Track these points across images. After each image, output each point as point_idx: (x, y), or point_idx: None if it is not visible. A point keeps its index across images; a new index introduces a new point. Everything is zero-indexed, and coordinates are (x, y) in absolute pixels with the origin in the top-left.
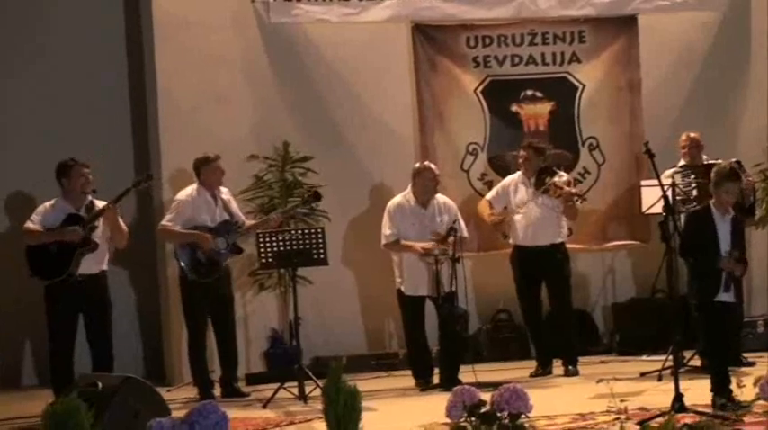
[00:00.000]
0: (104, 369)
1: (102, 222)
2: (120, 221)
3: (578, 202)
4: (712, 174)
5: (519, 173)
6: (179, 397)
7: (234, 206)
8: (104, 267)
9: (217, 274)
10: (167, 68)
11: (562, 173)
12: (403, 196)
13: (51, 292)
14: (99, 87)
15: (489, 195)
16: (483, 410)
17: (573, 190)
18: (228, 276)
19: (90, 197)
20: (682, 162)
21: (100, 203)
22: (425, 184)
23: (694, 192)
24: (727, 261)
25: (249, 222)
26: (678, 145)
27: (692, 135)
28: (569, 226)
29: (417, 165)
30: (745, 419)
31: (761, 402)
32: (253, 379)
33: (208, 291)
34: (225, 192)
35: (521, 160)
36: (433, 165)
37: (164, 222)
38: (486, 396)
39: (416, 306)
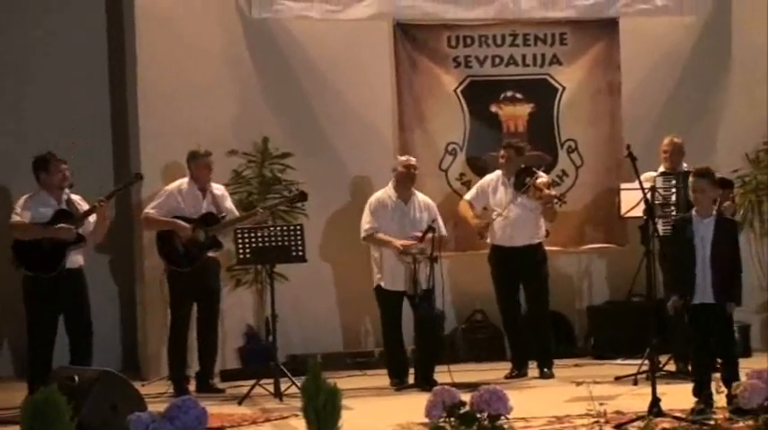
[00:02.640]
0: (83, 362)
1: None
2: (106, 217)
3: (557, 205)
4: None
5: (498, 172)
6: (153, 391)
7: (227, 203)
8: (82, 262)
9: (194, 265)
10: (148, 61)
11: (541, 173)
12: (384, 191)
13: (30, 286)
14: (78, 79)
15: (469, 195)
16: (462, 411)
17: (552, 192)
18: (214, 270)
19: (68, 191)
20: (661, 168)
21: (75, 197)
22: (403, 177)
23: (673, 197)
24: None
25: (235, 214)
26: (658, 148)
27: (676, 140)
28: (546, 227)
29: (398, 158)
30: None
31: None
32: (227, 375)
33: (192, 284)
34: (218, 188)
35: (502, 160)
36: (413, 159)
37: (147, 209)
38: (463, 396)
39: (395, 302)
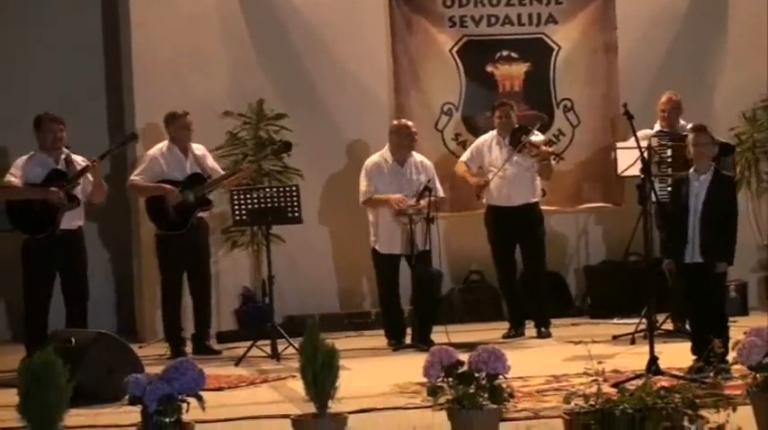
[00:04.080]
0: (78, 325)
1: (83, 178)
2: (101, 178)
3: (555, 161)
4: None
5: (492, 132)
6: (151, 353)
7: (209, 162)
8: (81, 223)
9: (186, 227)
10: (142, 24)
11: (537, 132)
12: (380, 154)
13: (29, 248)
14: (73, 42)
15: (464, 156)
16: (460, 370)
17: (549, 149)
18: (206, 230)
19: (66, 151)
20: (657, 127)
21: (78, 158)
22: (401, 141)
23: (668, 152)
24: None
25: (219, 172)
26: (655, 107)
27: (674, 98)
28: (543, 187)
29: (394, 122)
30: (723, 383)
31: (737, 366)
32: (224, 337)
33: (183, 246)
34: (198, 148)
35: (499, 119)
36: (410, 123)
37: (132, 177)
38: (461, 356)
39: (391, 265)
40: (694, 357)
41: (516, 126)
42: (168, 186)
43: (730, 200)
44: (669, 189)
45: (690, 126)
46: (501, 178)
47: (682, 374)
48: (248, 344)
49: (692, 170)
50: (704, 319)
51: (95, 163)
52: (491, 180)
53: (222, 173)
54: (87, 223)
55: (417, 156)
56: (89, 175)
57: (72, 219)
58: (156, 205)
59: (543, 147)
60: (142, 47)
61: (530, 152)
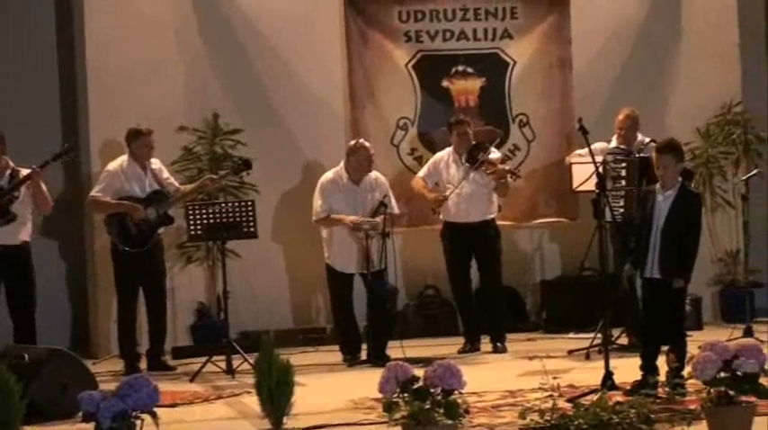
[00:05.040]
0: (26, 340)
1: (24, 190)
2: (44, 187)
3: (512, 180)
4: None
5: (449, 149)
6: (105, 370)
7: (165, 176)
8: (26, 238)
9: (149, 244)
10: (97, 37)
11: (493, 149)
12: (335, 172)
13: None
14: (26, 53)
15: (422, 172)
16: (416, 386)
17: (506, 167)
18: (161, 247)
19: (11, 165)
20: (614, 142)
21: (25, 171)
22: (360, 163)
23: (623, 173)
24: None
25: (184, 187)
26: (610, 122)
27: (632, 115)
28: (499, 202)
29: (352, 143)
30: (678, 398)
31: (692, 381)
32: (179, 352)
33: (140, 262)
34: (155, 163)
35: (457, 137)
36: (367, 144)
37: (93, 193)
38: (416, 372)
39: (345, 282)
40: (642, 373)
41: (474, 143)
42: (131, 203)
43: (693, 217)
44: (622, 203)
45: (647, 140)
46: (458, 195)
47: (636, 389)
48: (203, 359)
49: (658, 185)
50: (659, 333)
51: (36, 171)
52: (449, 197)
53: (177, 186)
54: (41, 237)
55: (372, 173)
56: (30, 186)
57: (12, 234)
58: (117, 222)
59: (500, 166)
60: (97, 61)
61: (486, 170)
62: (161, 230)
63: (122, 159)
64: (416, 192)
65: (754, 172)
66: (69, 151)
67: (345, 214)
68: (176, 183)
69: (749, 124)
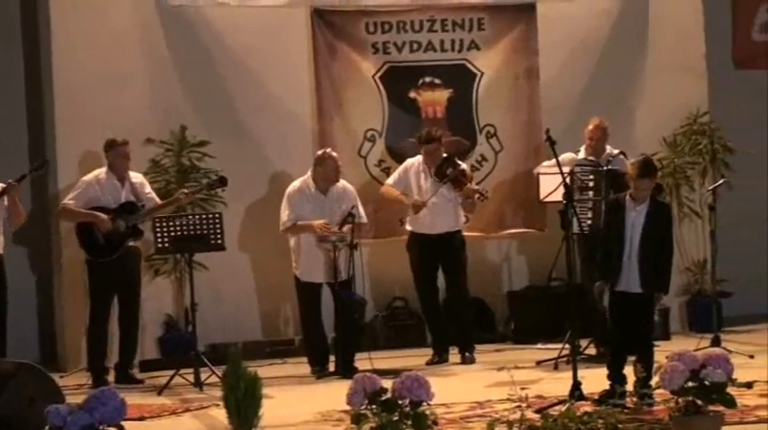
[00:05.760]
0: None
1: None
2: (18, 202)
3: (480, 200)
4: (628, 166)
5: (419, 158)
6: (72, 383)
7: (146, 191)
8: (0, 251)
9: (115, 255)
10: (63, 49)
11: (464, 165)
12: (303, 181)
13: None
14: None
15: (391, 180)
16: (384, 398)
17: (475, 187)
18: (138, 258)
19: None
20: (582, 154)
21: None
22: (327, 173)
23: (591, 184)
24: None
25: (156, 201)
26: (577, 133)
27: (601, 125)
28: (466, 214)
29: (320, 152)
30: (646, 408)
31: (660, 391)
32: (147, 366)
33: (115, 272)
34: (136, 177)
35: (428, 155)
36: (334, 154)
37: (65, 201)
38: (384, 383)
39: (313, 292)
40: (610, 383)
41: (445, 156)
42: (99, 213)
43: (667, 230)
44: (590, 215)
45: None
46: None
47: (604, 399)
48: (171, 372)
49: (628, 197)
50: (627, 344)
51: (12, 185)
52: (427, 201)
53: (158, 201)
54: (9, 248)
55: (340, 183)
56: (5, 200)
57: None
58: (85, 231)
59: (468, 185)
60: (63, 74)
61: (454, 187)
62: (131, 242)
63: (101, 170)
64: (390, 199)
65: (721, 181)
66: (45, 165)
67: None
68: (157, 199)
69: (716, 134)
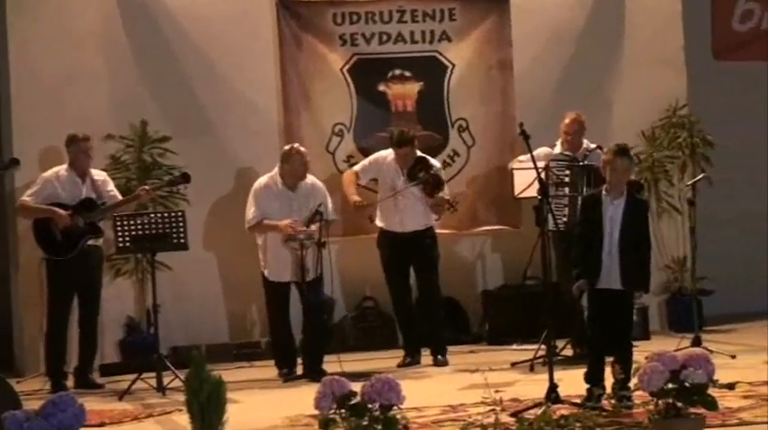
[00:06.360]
0: None
1: None
2: None
3: (450, 211)
4: (603, 155)
5: (392, 153)
6: (29, 388)
7: (108, 188)
8: None
9: (73, 253)
10: (20, 44)
11: (438, 166)
12: (270, 177)
13: None
14: None
15: (358, 166)
16: (353, 402)
17: (446, 196)
18: (100, 259)
19: None
20: (558, 149)
21: None
22: (295, 169)
23: (567, 179)
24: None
25: (117, 198)
26: (552, 126)
27: (579, 119)
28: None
29: (287, 148)
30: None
31: (639, 393)
32: (107, 370)
33: (75, 272)
34: (99, 175)
35: (402, 156)
36: (303, 149)
37: (23, 197)
38: (354, 386)
39: (281, 292)
40: (587, 385)
41: (419, 156)
42: (57, 209)
43: (645, 224)
44: (566, 212)
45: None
46: (395, 205)
47: (581, 402)
48: (133, 376)
49: (604, 192)
50: (607, 345)
51: None
52: (378, 205)
53: (117, 198)
54: None
55: (309, 179)
56: None
57: None
58: (42, 228)
59: (439, 194)
60: (21, 70)
61: (425, 191)
62: (91, 241)
63: (61, 167)
64: (344, 187)
65: (701, 176)
66: (15, 163)
67: (279, 220)
68: (120, 197)
69: (695, 127)
